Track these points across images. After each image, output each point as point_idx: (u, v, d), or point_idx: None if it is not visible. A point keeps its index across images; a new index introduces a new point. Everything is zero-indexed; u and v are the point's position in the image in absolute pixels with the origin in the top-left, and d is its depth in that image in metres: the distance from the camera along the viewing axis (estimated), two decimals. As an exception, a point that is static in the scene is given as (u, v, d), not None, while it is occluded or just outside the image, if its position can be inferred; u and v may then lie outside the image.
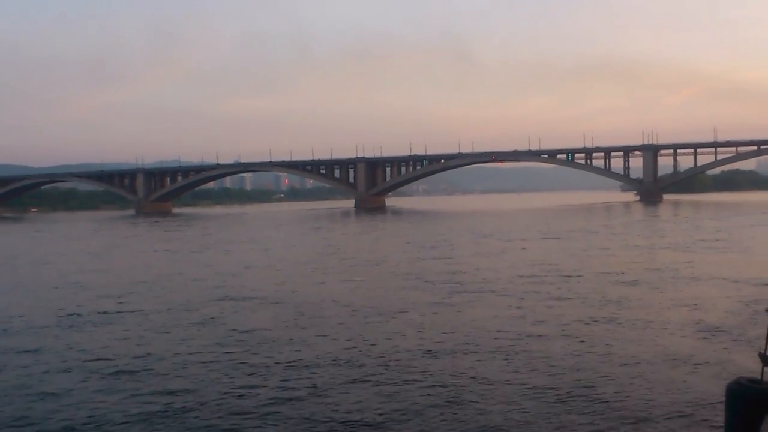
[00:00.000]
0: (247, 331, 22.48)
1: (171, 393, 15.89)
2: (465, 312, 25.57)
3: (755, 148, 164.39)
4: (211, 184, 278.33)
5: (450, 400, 15.18)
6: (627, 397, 15.13)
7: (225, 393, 15.84)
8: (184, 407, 14.95)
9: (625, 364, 17.72)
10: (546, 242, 57.81)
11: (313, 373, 17.37)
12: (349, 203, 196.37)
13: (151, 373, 17.58)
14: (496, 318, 24.11)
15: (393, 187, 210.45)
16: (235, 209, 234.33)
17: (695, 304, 25.91)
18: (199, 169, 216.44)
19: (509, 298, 28.41)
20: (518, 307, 26.09)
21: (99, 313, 26.86)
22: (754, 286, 29.55)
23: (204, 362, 18.57)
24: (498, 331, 21.76)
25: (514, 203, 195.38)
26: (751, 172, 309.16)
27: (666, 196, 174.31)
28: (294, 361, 18.50)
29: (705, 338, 20.47)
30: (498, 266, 40.22)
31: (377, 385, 16.25)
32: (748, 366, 14.17)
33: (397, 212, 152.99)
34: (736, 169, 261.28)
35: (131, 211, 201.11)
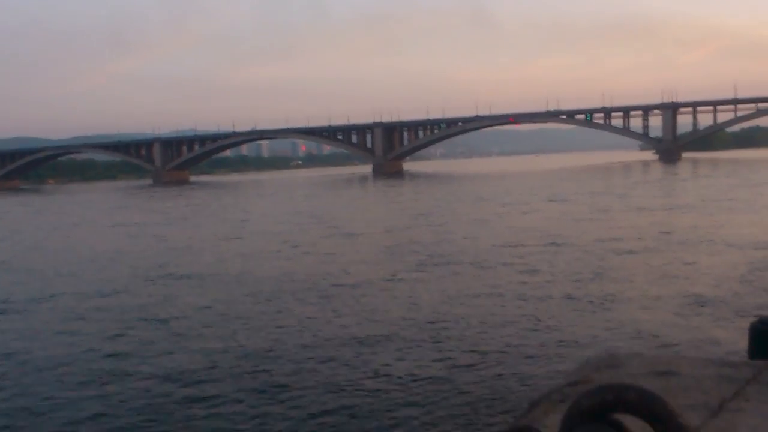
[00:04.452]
0: (161, 320, 19.56)
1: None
2: (424, 289, 22.58)
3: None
4: (228, 152, 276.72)
5: (349, 401, 12.33)
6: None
7: (80, 411, 12.91)
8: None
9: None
10: (550, 206, 54.37)
11: (210, 376, 14.47)
12: (367, 168, 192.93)
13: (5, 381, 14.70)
14: (454, 297, 20.99)
15: (410, 152, 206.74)
16: (251, 176, 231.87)
17: (694, 271, 23.07)
18: (216, 137, 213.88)
19: (482, 271, 25.46)
20: (487, 284, 22.97)
21: (6, 301, 23.95)
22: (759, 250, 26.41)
23: (82, 364, 15.64)
24: (450, 313, 18.78)
25: (531, 165, 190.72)
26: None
27: (685, 155, 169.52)
28: (194, 358, 15.60)
29: (697, 312, 17.74)
30: (486, 234, 37.10)
31: (280, 388, 13.39)
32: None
33: (413, 176, 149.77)
34: (757, 126, 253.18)
35: (149, 181, 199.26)
